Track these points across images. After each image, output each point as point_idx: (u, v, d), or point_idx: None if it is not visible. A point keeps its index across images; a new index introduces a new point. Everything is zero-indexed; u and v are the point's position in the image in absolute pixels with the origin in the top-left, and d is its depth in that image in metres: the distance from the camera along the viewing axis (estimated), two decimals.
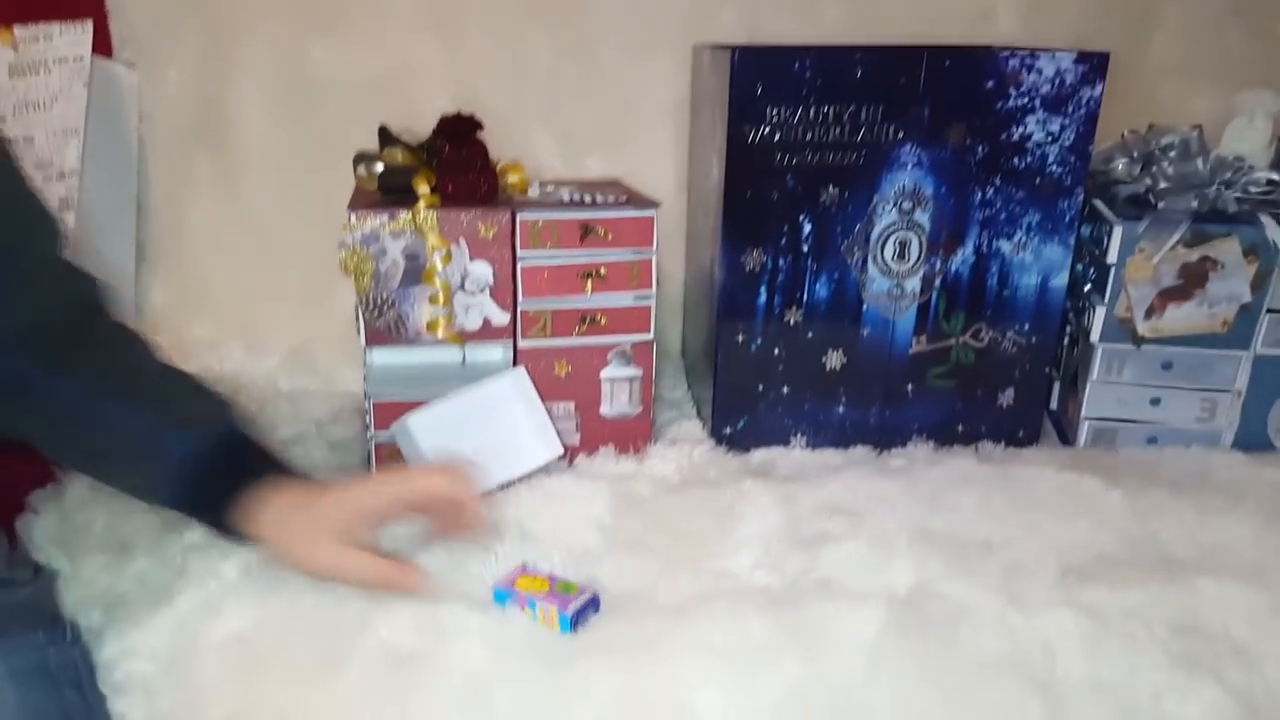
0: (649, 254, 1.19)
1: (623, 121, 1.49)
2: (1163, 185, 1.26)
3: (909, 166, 1.19)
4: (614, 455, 1.24)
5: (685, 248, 1.50)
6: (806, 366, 1.26)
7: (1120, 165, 1.32)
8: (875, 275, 1.23)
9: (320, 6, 1.42)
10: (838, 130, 1.17)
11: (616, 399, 1.24)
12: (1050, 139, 1.19)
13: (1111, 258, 1.24)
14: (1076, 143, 1.19)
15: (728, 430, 1.28)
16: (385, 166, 1.19)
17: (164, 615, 0.91)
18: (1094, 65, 1.16)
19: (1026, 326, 1.26)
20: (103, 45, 1.43)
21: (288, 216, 1.48)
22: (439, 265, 1.13)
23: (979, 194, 1.20)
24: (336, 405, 1.37)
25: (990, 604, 0.91)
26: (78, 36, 1.36)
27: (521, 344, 1.19)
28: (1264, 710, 0.79)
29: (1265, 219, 1.22)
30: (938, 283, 1.24)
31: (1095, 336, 1.27)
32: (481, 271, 1.16)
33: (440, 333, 1.15)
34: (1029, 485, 1.15)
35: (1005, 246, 1.23)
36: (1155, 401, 1.29)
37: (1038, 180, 1.20)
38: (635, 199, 1.23)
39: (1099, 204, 1.29)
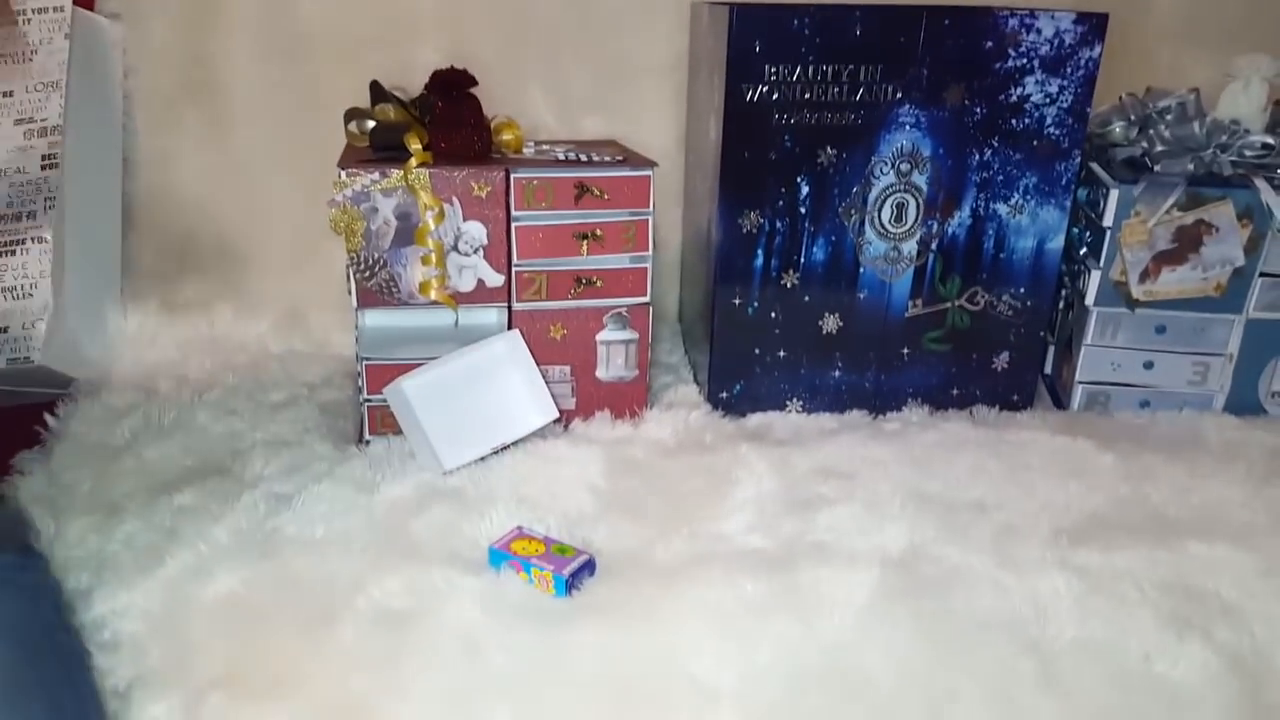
0: (646, 215, 1.17)
1: (620, 79, 1.46)
2: (1159, 148, 1.26)
3: (907, 127, 1.17)
4: (610, 419, 1.23)
5: (682, 209, 1.48)
6: (803, 330, 1.25)
7: (1117, 128, 1.31)
8: (872, 238, 1.22)
9: None
10: (836, 90, 1.15)
11: (612, 362, 1.23)
12: (1048, 100, 1.17)
13: (1107, 221, 1.23)
14: (1074, 104, 1.18)
15: (724, 394, 1.28)
16: (376, 123, 1.16)
17: (153, 576, 0.90)
18: (1093, 26, 1.15)
19: (1022, 290, 1.26)
20: (87, 2, 1.39)
21: (278, 174, 1.45)
22: (431, 225, 1.11)
23: (976, 156, 1.19)
24: (328, 368, 1.36)
25: (983, 566, 0.92)
26: None
27: (516, 306, 1.18)
28: (1252, 669, 0.80)
29: (1260, 183, 1.21)
30: (934, 246, 1.23)
31: (1090, 300, 1.27)
32: (475, 231, 1.14)
33: (433, 294, 1.14)
34: (1022, 449, 1.16)
35: (1002, 209, 1.22)
36: (1148, 365, 1.29)
37: (1035, 142, 1.19)
38: (632, 159, 1.22)
39: (1096, 167, 1.28)
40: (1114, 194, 1.22)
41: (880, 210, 1.21)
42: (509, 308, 1.18)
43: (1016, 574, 0.90)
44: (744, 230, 1.20)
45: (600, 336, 1.21)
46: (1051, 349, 1.39)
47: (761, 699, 0.77)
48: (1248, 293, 1.25)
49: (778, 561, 0.92)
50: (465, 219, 1.13)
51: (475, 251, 1.15)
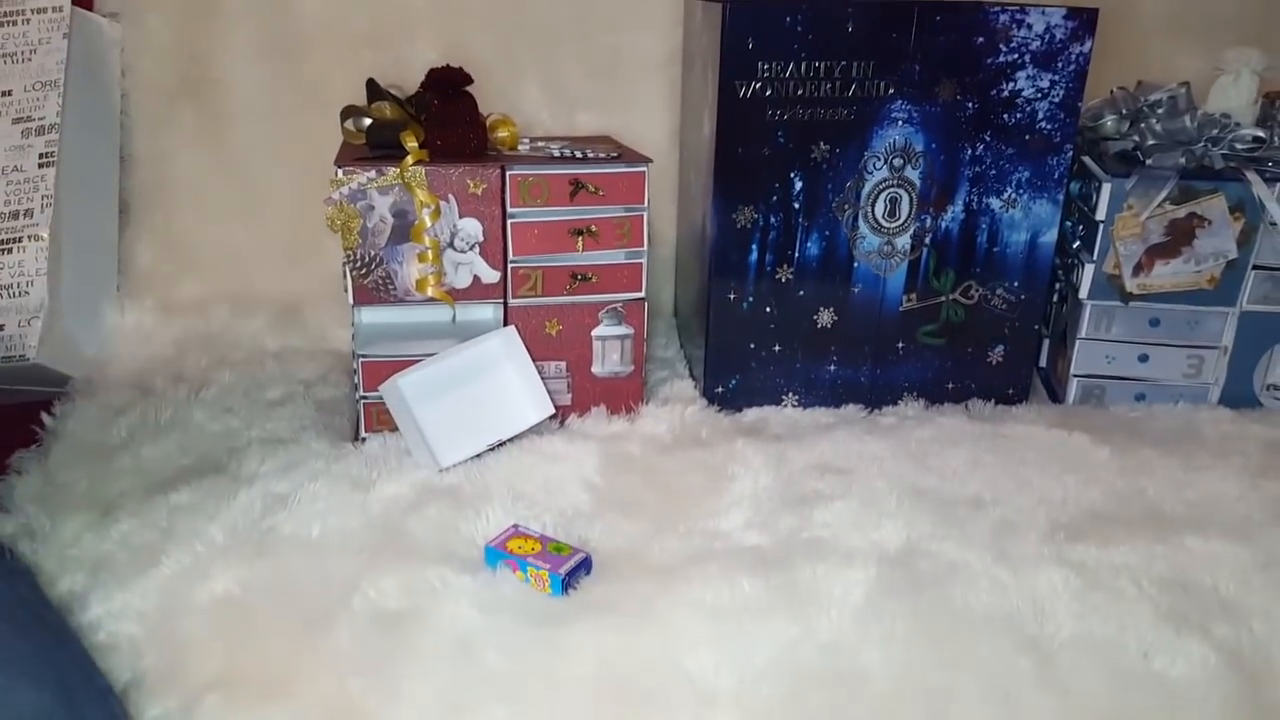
0: (641, 211, 1.17)
1: (614, 76, 1.46)
2: (1151, 142, 1.26)
3: (900, 122, 1.17)
4: (605, 415, 1.23)
5: (677, 205, 1.48)
6: (798, 325, 1.25)
7: (1109, 122, 1.31)
8: (866, 232, 1.22)
9: None
10: (829, 85, 1.15)
11: (608, 358, 1.23)
12: (1040, 95, 1.18)
13: (1100, 214, 1.24)
14: (1066, 99, 1.18)
15: (719, 389, 1.28)
16: (373, 121, 1.16)
17: (149, 577, 0.90)
18: (1083, 21, 1.15)
19: (1016, 284, 1.26)
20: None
21: (274, 172, 1.45)
22: (428, 222, 1.11)
23: (969, 150, 1.19)
24: (325, 365, 1.36)
25: (980, 562, 0.92)
26: None
27: (512, 302, 1.18)
28: (1251, 665, 0.80)
29: (1251, 176, 1.22)
30: (928, 240, 1.23)
31: (1084, 293, 1.27)
32: (471, 228, 1.14)
33: (429, 291, 1.14)
34: (1018, 443, 1.16)
35: (995, 203, 1.22)
36: (1143, 358, 1.30)
37: (1027, 136, 1.19)
38: (627, 155, 1.22)
39: (1088, 160, 1.28)
40: (1106, 187, 1.22)
41: (874, 205, 1.21)
42: (505, 304, 1.18)
43: (1014, 570, 0.90)
44: (738, 225, 1.20)
45: (596, 332, 1.21)
46: (1046, 342, 1.40)
47: (759, 698, 0.77)
48: (1241, 285, 1.25)
49: (775, 559, 0.92)
50: (461, 216, 1.13)
51: (471, 248, 1.15)
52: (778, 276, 1.23)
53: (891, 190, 1.21)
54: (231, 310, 1.45)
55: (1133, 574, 0.90)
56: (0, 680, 0.68)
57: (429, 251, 1.12)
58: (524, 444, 1.14)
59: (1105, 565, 0.92)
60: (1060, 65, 1.16)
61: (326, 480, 1.05)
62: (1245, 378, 1.29)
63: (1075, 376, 1.31)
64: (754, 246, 1.21)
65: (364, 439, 1.17)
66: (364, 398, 1.17)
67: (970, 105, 1.17)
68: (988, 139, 1.19)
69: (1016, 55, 1.16)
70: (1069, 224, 1.29)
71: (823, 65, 1.14)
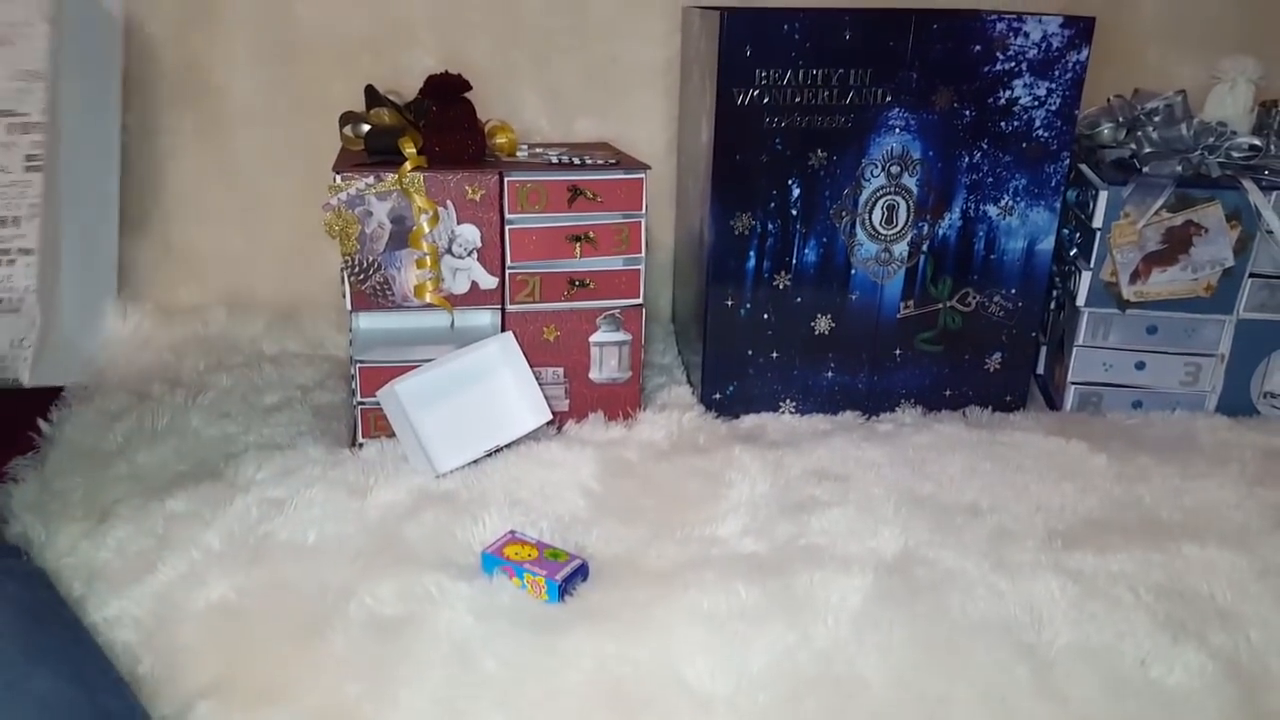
0: (639, 217, 1.18)
1: (612, 83, 1.46)
2: (1147, 150, 1.26)
3: (897, 130, 1.18)
4: (603, 421, 1.23)
5: (675, 211, 1.48)
6: (795, 331, 1.26)
7: (1106, 130, 1.32)
8: (863, 239, 1.22)
9: None
10: (826, 93, 1.15)
11: (606, 364, 1.23)
12: (1037, 103, 1.18)
13: (1097, 222, 1.24)
14: (1063, 107, 1.18)
15: (717, 396, 1.28)
16: (371, 127, 1.16)
17: (145, 584, 0.90)
18: (1080, 30, 1.15)
19: (1013, 291, 1.26)
20: None
21: (272, 177, 1.45)
22: (426, 228, 1.11)
23: (966, 158, 1.20)
24: (322, 370, 1.36)
25: (977, 570, 0.92)
26: None
27: (510, 308, 1.18)
28: (1249, 673, 0.80)
29: (1248, 184, 1.22)
30: (925, 247, 1.23)
31: (1081, 301, 1.27)
32: (469, 234, 1.14)
33: (428, 297, 1.14)
34: (1016, 450, 1.16)
35: (992, 211, 1.23)
36: (1140, 366, 1.30)
37: (1024, 144, 1.20)
38: (625, 161, 1.22)
39: (1085, 168, 1.28)
40: (1103, 195, 1.23)
41: (871, 212, 1.21)
42: (502, 310, 1.18)
43: (1011, 578, 0.90)
44: (736, 232, 1.20)
45: (593, 338, 1.22)
46: (1044, 349, 1.40)
47: (756, 704, 0.77)
48: (1238, 293, 1.25)
49: (771, 565, 0.92)
50: (459, 222, 1.13)
51: (469, 254, 1.15)
52: (775, 283, 1.23)
53: (889, 197, 1.21)
54: (229, 315, 1.45)
55: (1130, 582, 0.90)
56: (23, 669, 0.71)
57: (427, 257, 1.12)
58: (521, 450, 1.14)
59: (1102, 573, 0.92)
60: (1057, 73, 1.17)
61: (323, 486, 1.05)
62: (1242, 385, 1.29)
63: (1073, 384, 1.31)
64: (752, 253, 1.22)
65: (361, 445, 1.17)
66: (361, 403, 1.17)
67: (967, 113, 1.18)
68: (985, 147, 1.19)
69: (1013, 63, 1.16)
70: (1066, 231, 1.30)
71: (820, 73, 1.14)
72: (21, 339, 1.18)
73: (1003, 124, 1.19)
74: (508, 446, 1.15)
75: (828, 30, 1.12)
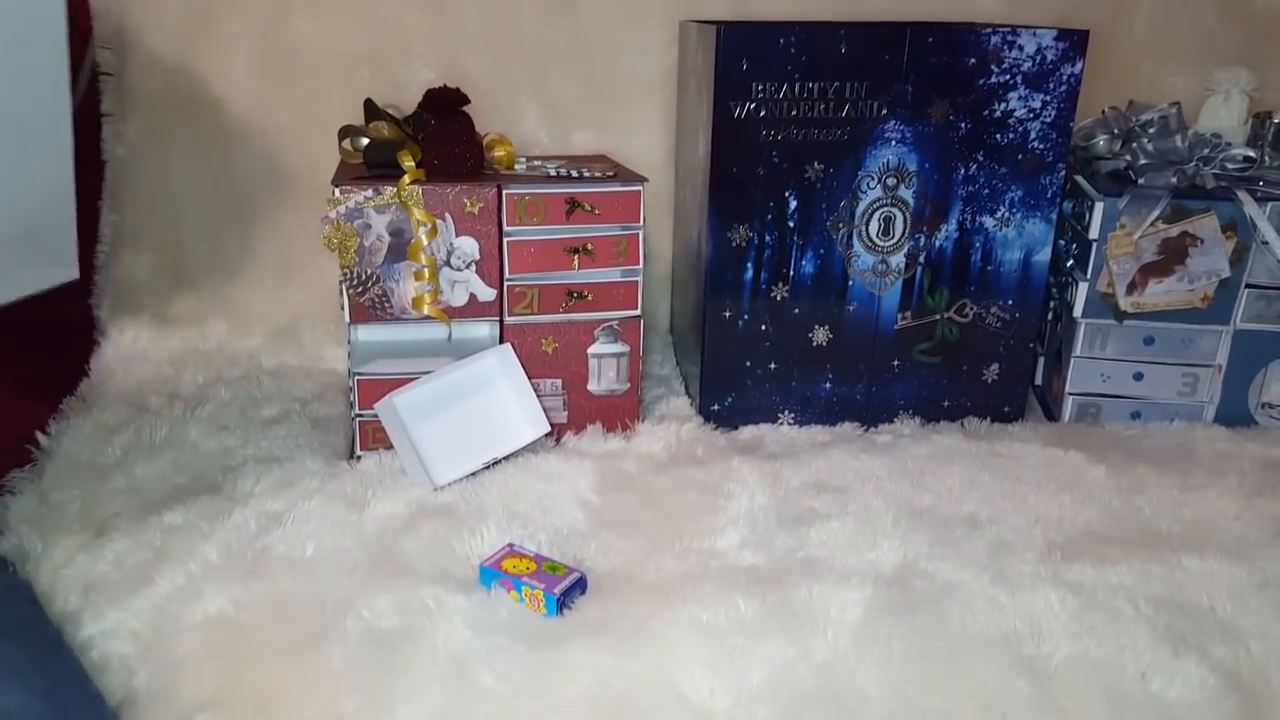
0: (636, 229, 1.18)
1: (610, 96, 1.47)
2: (1143, 161, 1.27)
3: (893, 142, 1.18)
4: (601, 433, 1.23)
5: (673, 223, 1.49)
6: (793, 343, 1.26)
7: (1101, 141, 1.32)
8: (860, 251, 1.23)
9: None
10: (822, 106, 1.16)
11: (604, 375, 1.23)
12: (1032, 115, 1.19)
13: (1093, 233, 1.24)
14: (1058, 119, 1.19)
15: (715, 407, 1.28)
16: (370, 140, 1.17)
17: (142, 596, 0.90)
18: (1074, 43, 1.16)
19: (1010, 302, 1.27)
20: (82, 14, 1.38)
21: (271, 190, 1.46)
22: (424, 240, 1.11)
23: (962, 170, 1.20)
24: (321, 383, 1.36)
25: (977, 582, 0.92)
26: None
27: (508, 320, 1.18)
28: (1249, 686, 0.80)
29: (1243, 195, 1.23)
30: (922, 258, 1.24)
31: (1078, 312, 1.28)
32: (467, 246, 1.14)
33: (426, 309, 1.14)
34: (1014, 461, 1.16)
35: (989, 222, 1.23)
36: (1138, 376, 1.30)
37: (1020, 156, 1.20)
38: (622, 174, 1.22)
39: (1080, 180, 1.29)
40: (1099, 207, 1.23)
41: (868, 224, 1.22)
42: (501, 322, 1.18)
43: (1010, 590, 0.90)
44: (733, 244, 1.21)
45: (592, 350, 1.22)
46: (1041, 360, 1.40)
47: (755, 718, 0.76)
48: (1234, 304, 1.26)
49: (770, 578, 0.92)
50: (458, 234, 1.14)
51: (468, 266, 1.15)
52: (773, 294, 1.23)
53: (885, 209, 1.21)
54: (228, 327, 1.45)
55: (1130, 594, 0.90)
56: None
57: (425, 270, 1.12)
58: (519, 462, 1.14)
59: (1102, 585, 0.91)
60: (1052, 86, 1.18)
61: (321, 499, 1.05)
62: (1240, 396, 1.29)
63: (1071, 394, 1.31)
64: (749, 265, 1.22)
65: (359, 457, 1.17)
66: (359, 415, 1.17)
67: (963, 125, 1.18)
68: (980, 159, 1.20)
69: (1008, 76, 1.17)
70: (1062, 243, 1.30)
71: (816, 86, 1.15)
72: None
73: (998, 136, 1.19)
74: (506, 459, 1.14)
75: (823, 44, 1.13)
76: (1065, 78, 1.17)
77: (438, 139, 1.15)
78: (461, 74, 1.37)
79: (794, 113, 1.15)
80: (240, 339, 1.44)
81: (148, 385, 1.33)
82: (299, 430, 1.22)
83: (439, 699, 0.78)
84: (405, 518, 1.03)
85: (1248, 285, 1.25)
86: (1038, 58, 1.16)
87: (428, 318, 1.15)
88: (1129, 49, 1.52)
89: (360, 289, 1.13)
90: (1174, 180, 1.23)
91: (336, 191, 1.10)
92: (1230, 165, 1.27)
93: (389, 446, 1.15)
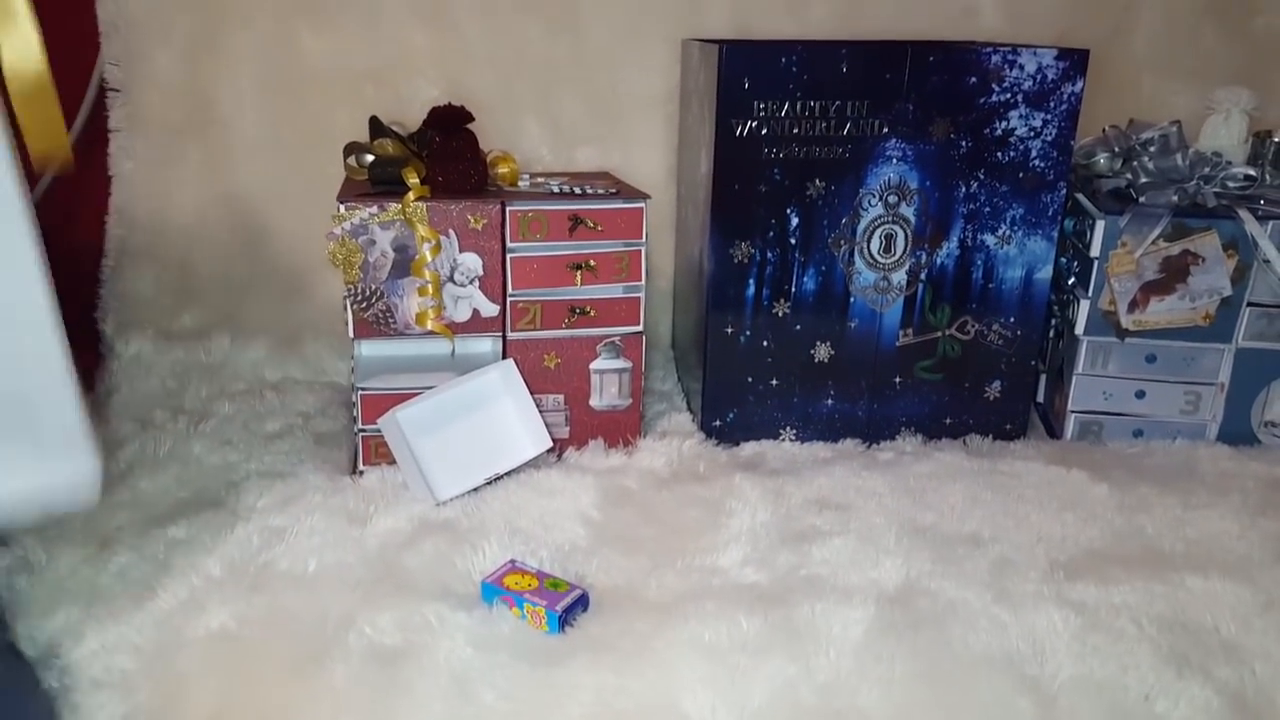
0: (639, 246, 1.19)
1: (612, 113, 1.48)
2: (1143, 179, 1.27)
3: (894, 160, 1.19)
4: (603, 448, 1.23)
5: (675, 240, 1.49)
6: (795, 359, 1.26)
7: (1102, 159, 1.33)
8: (862, 268, 1.23)
9: None
10: (824, 124, 1.17)
11: (606, 391, 1.23)
12: (1033, 134, 1.19)
13: (1094, 251, 1.25)
14: (1058, 137, 1.19)
15: (717, 423, 1.28)
16: (375, 157, 1.18)
17: (145, 611, 0.90)
18: (1075, 62, 1.17)
19: (1012, 319, 1.27)
20: (91, 32, 1.39)
21: (276, 205, 1.47)
22: (428, 256, 1.12)
23: (963, 188, 1.21)
24: (324, 397, 1.36)
25: (979, 601, 0.91)
26: None
27: (511, 335, 1.19)
28: (1254, 708, 0.80)
29: (1244, 214, 1.23)
30: (924, 276, 1.24)
31: (1080, 329, 1.28)
32: (471, 263, 1.15)
33: (429, 324, 1.15)
34: (1017, 479, 1.16)
35: (990, 240, 1.23)
36: (1140, 394, 1.30)
37: (1021, 174, 1.21)
38: (625, 191, 1.23)
39: (1081, 198, 1.29)
40: (1100, 225, 1.24)
41: (869, 241, 1.22)
42: (504, 337, 1.19)
43: (1013, 609, 0.90)
44: (735, 260, 1.21)
45: (594, 365, 1.22)
46: (1043, 378, 1.40)
47: None
48: (1237, 322, 1.26)
49: (773, 596, 0.92)
50: (462, 250, 1.14)
51: (471, 282, 1.16)
52: (775, 311, 1.24)
53: (887, 226, 1.22)
54: (232, 341, 1.45)
55: (1133, 614, 0.90)
56: None
57: (429, 285, 1.13)
58: (521, 478, 1.14)
59: (1105, 604, 0.91)
60: (1052, 104, 1.18)
61: (324, 514, 1.05)
62: (1243, 414, 1.29)
63: (1073, 412, 1.31)
64: (751, 281, 1.22)
65: (362, 472, 1.17)
66: (362, 430, 1.17)
67: (964, 144, 1.19)
68: (982, 177, 1.21)
69: (1009, 95, 1.18)
70: (1064, 260, 1.30)
71: (818, 105, 1.15)
72: None
73: (999, 154, 1.20)
74: (508, 474, 1.15)
75: (825, 63, 1.14)
76: (1066, 96, 1.18)
77: (442, 156, 1.16)
78: (465, 91, 1.38)
79: (795, 131, 1.16)
80: (244, 353, 1.44)
81: (152, 399, 1.33)
82: (302, 445, 1.22)
83: (441, 717, 0.78)
84: (407, 533, 1.03)
85: (1249, 304, 1.25)
86: (1038, 77, 1.17)
87: (431, 333, 1.15)
88: (1129, 67, 1.53)
89: (364, 304, 1.14)
90: (1175, 199, 1.24)
91: (342, 208, 1.11)
92: (1231, 184, 1.27)
93: (391, 461, 1.15)
